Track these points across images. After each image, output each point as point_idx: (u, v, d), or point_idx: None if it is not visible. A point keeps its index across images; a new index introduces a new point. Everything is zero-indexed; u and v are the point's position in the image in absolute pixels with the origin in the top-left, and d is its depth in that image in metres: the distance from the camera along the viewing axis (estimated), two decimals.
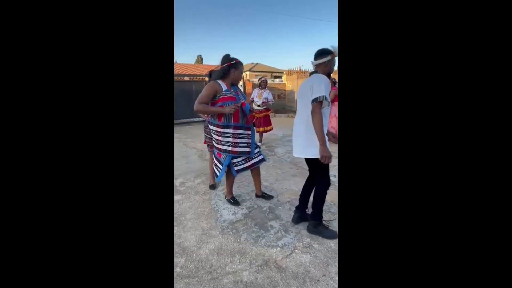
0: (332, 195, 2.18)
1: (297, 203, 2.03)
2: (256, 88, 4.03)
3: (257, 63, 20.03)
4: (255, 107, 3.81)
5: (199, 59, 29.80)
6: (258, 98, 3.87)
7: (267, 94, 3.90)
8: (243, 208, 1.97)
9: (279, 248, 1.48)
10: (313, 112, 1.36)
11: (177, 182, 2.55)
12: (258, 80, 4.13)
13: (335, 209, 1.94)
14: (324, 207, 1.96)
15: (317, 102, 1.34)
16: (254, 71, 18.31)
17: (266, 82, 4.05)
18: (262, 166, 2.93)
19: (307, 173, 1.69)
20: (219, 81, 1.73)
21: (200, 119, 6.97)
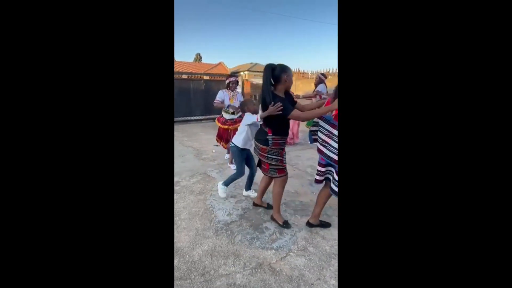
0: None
1: (293, 205, 2.02)
2: (224, 90, 2.92)
3: (256, 63, 20.00)
4: (229, 116, 2.89)
5: (198, 58, 29.68)
6: (231, 102, 2.87)
7: (240, 97, 2.98)
8: (238, 209, 1.95)
9: (273, 251, 1.46)
10: None
11: None
12: (227, 80, 2.97)
13: (331, 211, 1.93)
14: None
15: None
16: (253, 71, 18.28)
17: (237, 82, 3.06)
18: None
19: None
20: None
21: (199, 117, 6.97)
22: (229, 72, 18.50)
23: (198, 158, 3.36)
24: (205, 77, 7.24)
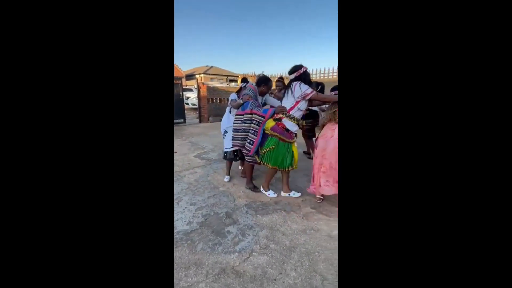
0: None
1: (254, 205, 2.06)
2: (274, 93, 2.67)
3: (212, 66, 19.72)
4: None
5: None
6: None
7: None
8: (198, 217, 1.89)
9: (236, 254, 1.46)
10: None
11: None
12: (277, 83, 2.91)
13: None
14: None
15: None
16: (209, 74, 17.96)
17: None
18: (218, 171, 2.88)
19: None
20: None
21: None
22: (183, 75, 17.72)
23: None
24: (175, 81, 6.76)
